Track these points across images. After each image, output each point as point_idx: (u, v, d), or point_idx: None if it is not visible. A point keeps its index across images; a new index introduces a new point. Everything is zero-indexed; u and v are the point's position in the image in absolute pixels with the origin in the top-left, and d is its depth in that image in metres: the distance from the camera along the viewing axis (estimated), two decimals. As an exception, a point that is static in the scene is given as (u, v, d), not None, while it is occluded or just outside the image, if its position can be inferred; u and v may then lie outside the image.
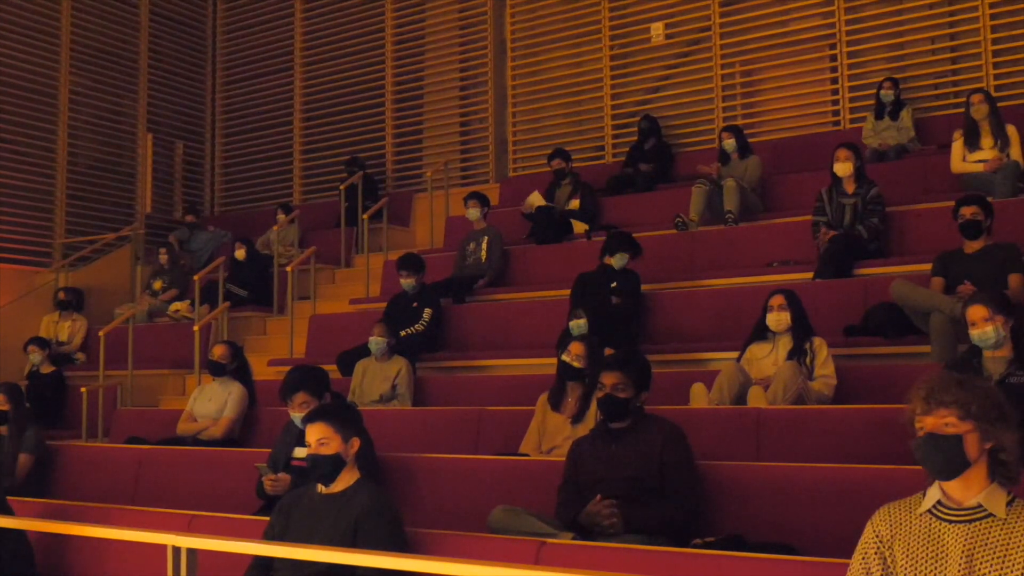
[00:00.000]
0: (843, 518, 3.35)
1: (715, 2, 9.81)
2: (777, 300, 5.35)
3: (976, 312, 4.26)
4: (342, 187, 10.23)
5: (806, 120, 9.50)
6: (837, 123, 9.27)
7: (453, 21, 11.38)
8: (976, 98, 7.08)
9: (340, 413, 3.78)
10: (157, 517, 4.37)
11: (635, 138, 9.65)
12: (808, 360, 5.17)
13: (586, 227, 8.40)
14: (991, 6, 8.61)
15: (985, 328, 4.23)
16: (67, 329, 9.51)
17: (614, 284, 6.59)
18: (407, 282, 7.33)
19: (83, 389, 7.73)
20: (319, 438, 3.62)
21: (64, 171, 10.94)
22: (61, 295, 9.61)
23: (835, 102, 9.34)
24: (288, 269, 8.79)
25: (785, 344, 5.30)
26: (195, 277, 8.80)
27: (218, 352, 6.51)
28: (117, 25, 11.65)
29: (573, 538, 3.64)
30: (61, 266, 10.42)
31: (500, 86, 10.96)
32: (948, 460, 2.39)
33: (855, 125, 8.84)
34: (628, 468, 3.83)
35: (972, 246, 5.57)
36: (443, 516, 4.40)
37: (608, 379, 3.95)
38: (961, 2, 8.84)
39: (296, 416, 4.58)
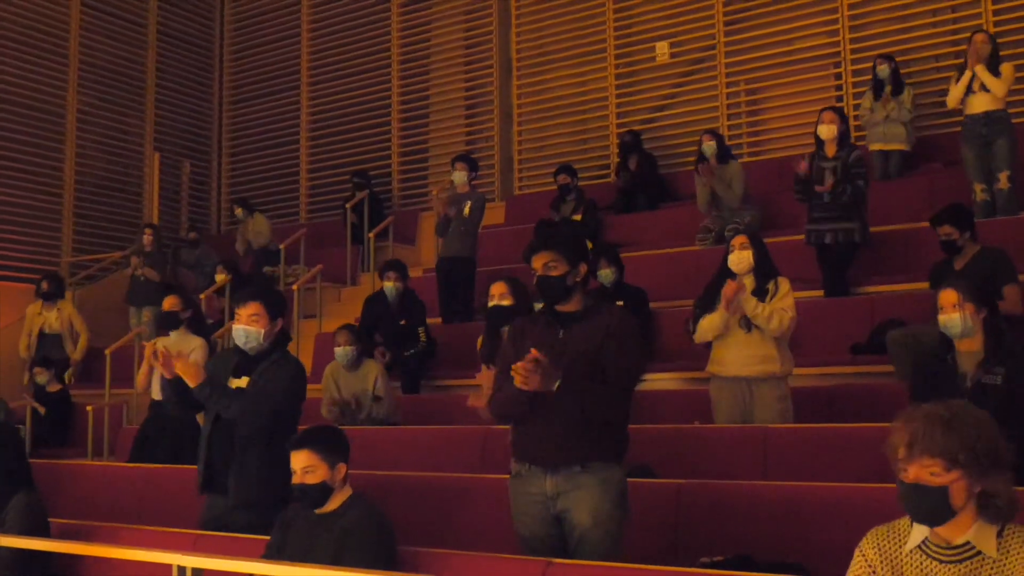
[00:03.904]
0: (852, 537, 3.31)
1: (720, 21, 9.85)
2: (739, 240, 5.13)
3: (946, 297, 4.04)
4: (348, 205, 10.25)
5: (811, 139, 9.45)
6: (842, 141, 9.25)
7: (459, 40, 11.43)
8: (979, 37, 7.01)
9: (326, 439, 3.68)
10: (162, 536, 4.35)
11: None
12: (768, 299, 4.96)
13: (590, 244, 8.37)
14: (996, 25, 8.62)
15: (952, 315, 3.99)
16: (54, 317, 9.18)
17: (620, 302, 6.58)
18: (395, 285, 7.26)
19: (89, 407, 7.74)
20: (304, 466, 3.55)
21: (71, 189, 10.98)
22: (44, 285, 9.19)
23: (840, 120, 9.33)
24: (294, 288, 8.80)
25: (748, 285, 5.03)
26: (201, 296, 8.81)
27: (169, 303, 6.04)
28: (124, 44, 11.72)
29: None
30: (68, 284, 10.43)
31: (506, 104, 10.99)
32: (933, 510, 2.29)
33: (859, 144, 8.81)
34: (576, 350, 3.48)
35: (959, 260, 5.59)
36: (449, 536, 4.37)
37: (537, 261, 3.60)
38: (966, 21, 8.85)
39: (238, 328, 4.09)
